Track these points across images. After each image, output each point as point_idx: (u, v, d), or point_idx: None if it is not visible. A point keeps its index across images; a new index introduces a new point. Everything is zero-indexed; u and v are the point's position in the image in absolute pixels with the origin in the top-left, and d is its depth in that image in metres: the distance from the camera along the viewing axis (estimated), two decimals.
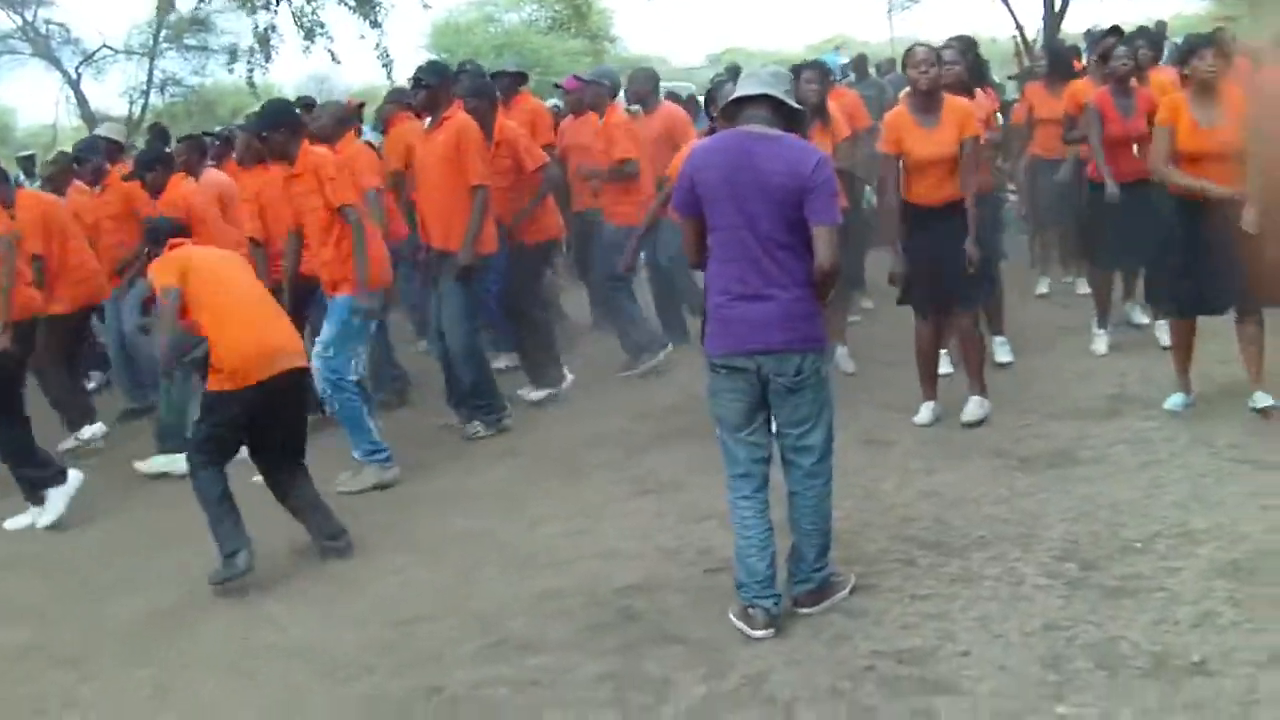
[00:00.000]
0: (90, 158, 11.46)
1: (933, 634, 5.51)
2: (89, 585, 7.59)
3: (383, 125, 12.34)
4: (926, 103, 8.32)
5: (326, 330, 8.68)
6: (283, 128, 8.58)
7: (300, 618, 6.69)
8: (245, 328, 7.22)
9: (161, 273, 7.38)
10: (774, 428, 5.84)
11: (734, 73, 10.67)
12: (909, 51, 8.63)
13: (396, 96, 12.42)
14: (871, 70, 20.09)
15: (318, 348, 8.62)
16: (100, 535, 8.49)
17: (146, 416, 10.75)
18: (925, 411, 8.62)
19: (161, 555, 7.79)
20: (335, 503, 8.01)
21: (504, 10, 50.45)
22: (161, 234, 7.72)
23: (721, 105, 6.26)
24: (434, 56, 38.49)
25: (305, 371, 7.69)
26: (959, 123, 8.26)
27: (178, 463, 8.78)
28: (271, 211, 9.94)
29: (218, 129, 13.07)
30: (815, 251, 5.57)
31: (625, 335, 11.07)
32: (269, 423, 7.37)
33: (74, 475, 8.81)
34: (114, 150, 11.78)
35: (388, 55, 24.34)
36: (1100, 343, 9.92)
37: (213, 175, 11.06)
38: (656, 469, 8.26)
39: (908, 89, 8.59)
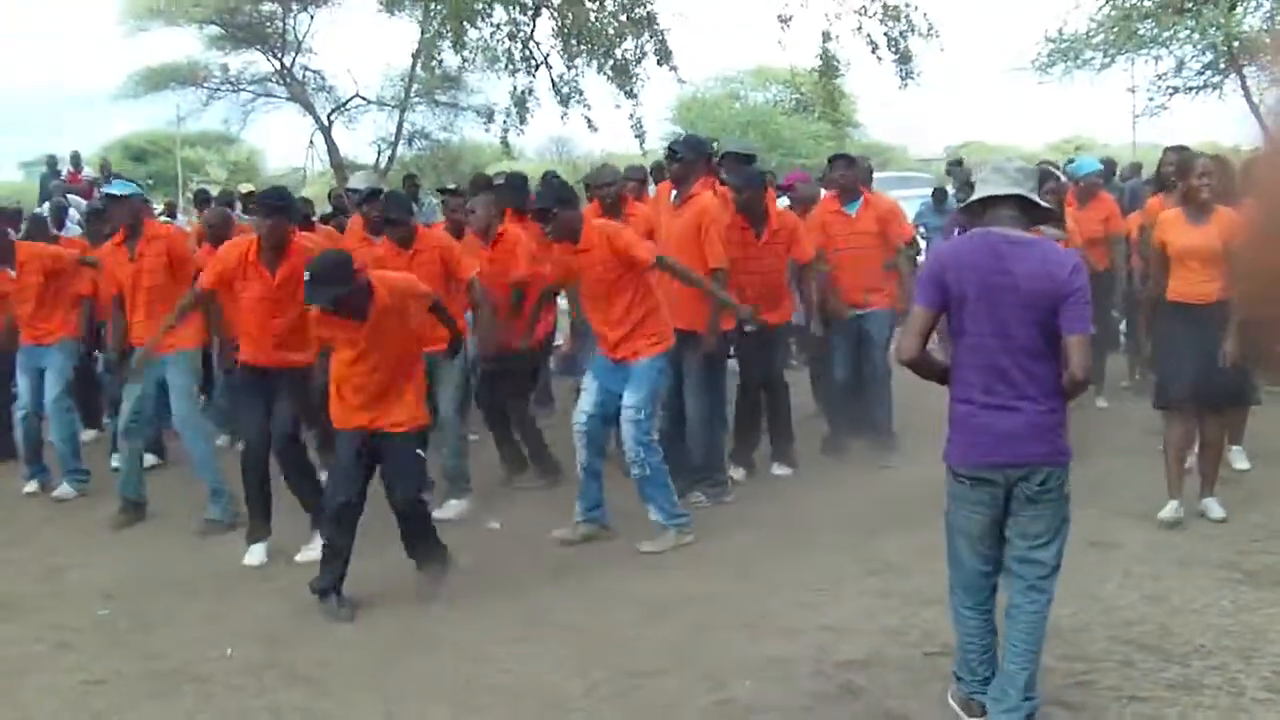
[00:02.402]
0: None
1: None
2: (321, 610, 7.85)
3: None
4: (1199, 213, 8.47)
5: (637, 393, 8.76)
6: (569, 203, 8.84)
7: (526, 661, 6.88)
8: None
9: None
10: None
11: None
12: (1186, 160, 8.69)
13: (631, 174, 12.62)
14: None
15: (629, 412, 8.74)
16: None
17: None
18: (1170, 509, 8.62)
19: (388, 586, 8.04)
20: (562, 559, 8.42)
21: (749, 88, 50.87)
22: None
23: (967, 201, 5.93)
24: (679, 129, 39.08)
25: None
26: (1228, 228, 8.31)
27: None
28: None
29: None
30: (1068, 360, 5.42)
31: (880, 423, 11.19)
32: None
33: None
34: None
35: (640, 125, 24.76)
36: None
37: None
38: (887, 551, 8.38)
39: (1159, 192, 8.65)
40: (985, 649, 5.68)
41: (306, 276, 7.53)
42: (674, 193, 9.93)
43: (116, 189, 10.47)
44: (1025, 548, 5.53)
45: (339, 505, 7.77)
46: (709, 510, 9.59)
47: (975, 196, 5.67)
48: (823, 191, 12.23)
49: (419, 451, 7.98)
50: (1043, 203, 5.68)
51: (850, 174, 11.30)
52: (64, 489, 11.14)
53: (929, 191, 20.62)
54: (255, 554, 9.03)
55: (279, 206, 8.92)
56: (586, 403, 8.97)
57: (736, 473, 10.50)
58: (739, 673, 6.48)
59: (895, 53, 22.55)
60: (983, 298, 5.45)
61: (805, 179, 13.02)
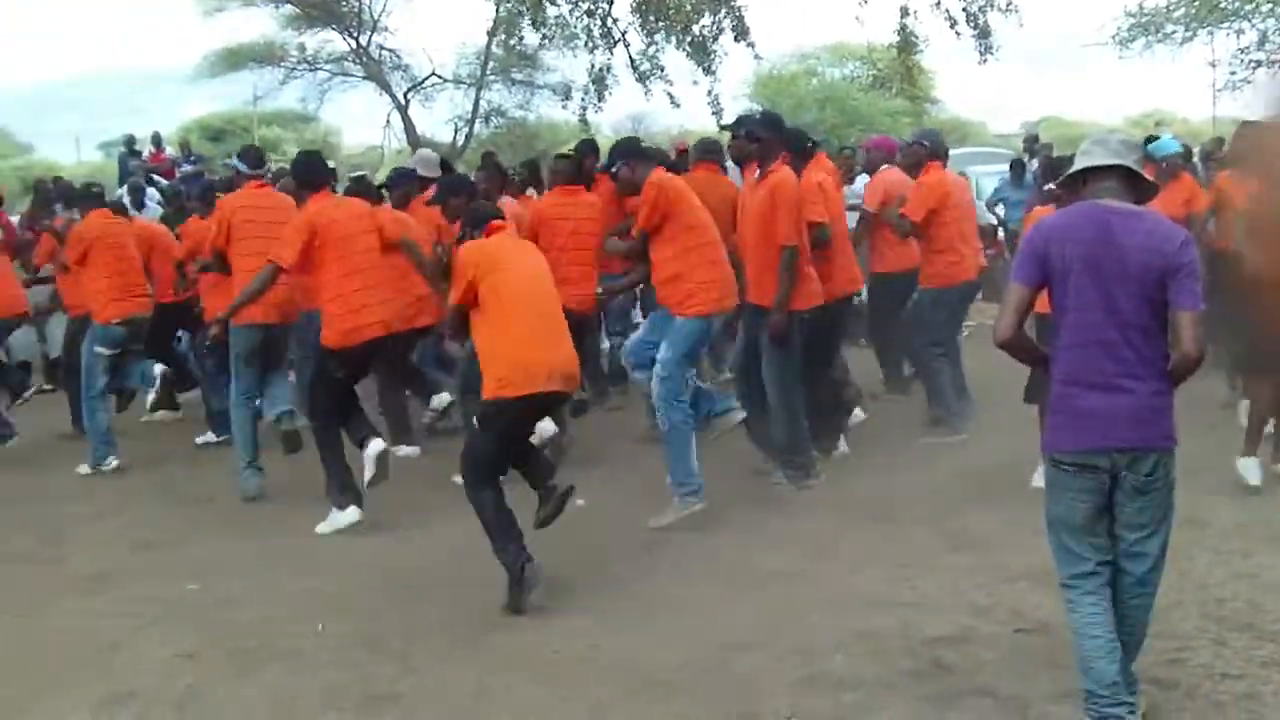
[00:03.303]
0: (401, 183, 11.99)
1: (1244, 713, 5.55)
2: (415, 584, 7.92)
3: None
4: None
5: (667, 351, 8.86)
6: (635, 158, 9.09)
7: (614, 635, 6.90)
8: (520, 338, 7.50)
9: (468, 252, 7.72)
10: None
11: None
12: None
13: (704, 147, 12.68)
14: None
15: (657, 368, 8.84)
16: (427, 538, 8.84)
17: None
18: (1253, 469, 8.73)
19: (477, 560, 7.94)
20: (650, 534, 8.48)
21: (826, 65, 50.57)
22: (481, 220, 8.01)
23: (1065, 174, 5.68)
24: (755, 106, 38.94)
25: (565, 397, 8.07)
26: None
27: None
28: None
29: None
30: (1179, 338, 5.14)
31: (934, 399, 11.20)
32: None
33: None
34: (424, 183, 12.08)
35: (718, 102, 24.74)
36: None
37: (510, 205, 11.49)
38: (970, 526, 8.35)
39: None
40: (1111, 646, 5.26)
41: None
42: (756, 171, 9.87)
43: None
44: (1132, 540, 5.30)
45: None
46: (792, 487, 9.55)
47: (1076, 168, 5.45)
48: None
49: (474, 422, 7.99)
50: (1145, 174, 5.43)
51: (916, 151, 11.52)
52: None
53: (1007, 166, 20.50)
54: (350, 514, 9.19)
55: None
56: (634, 336, 9.43)
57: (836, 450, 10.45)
58: (828, 647, 6.48)
59: (974, 28, 22.40)
60: (1088, 271, 5.17)
61: (885, 142, 12.92)
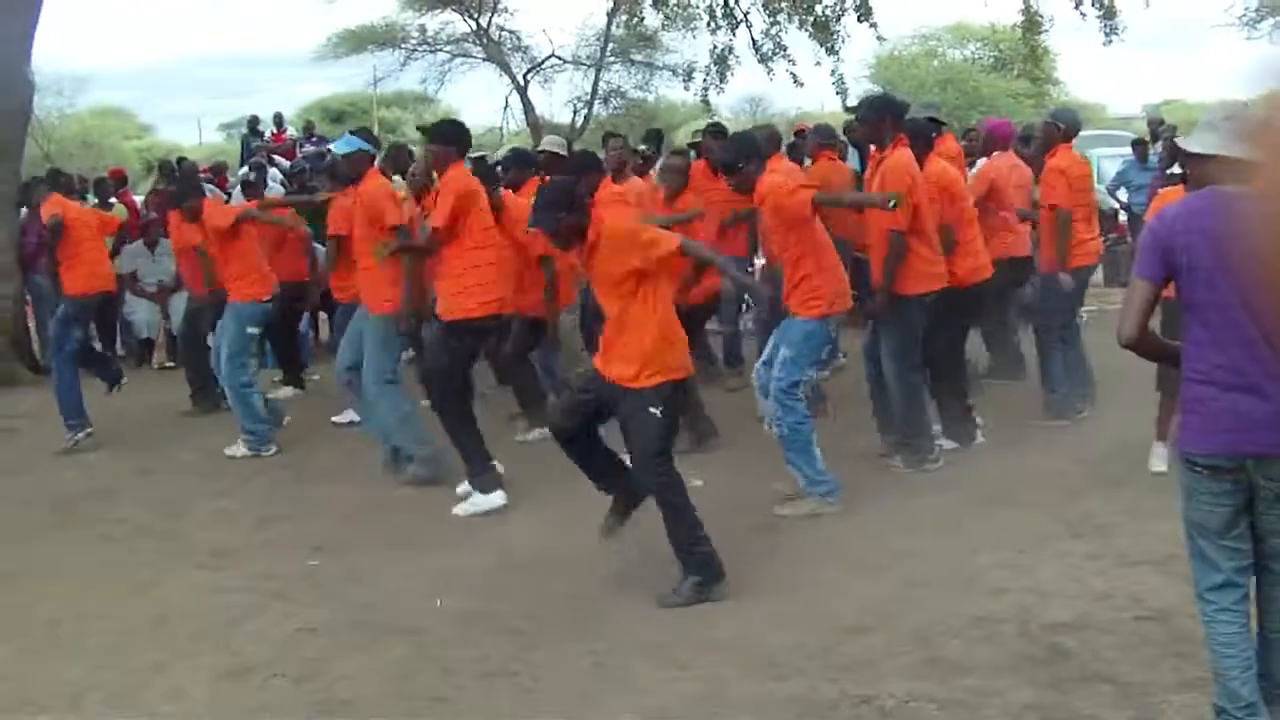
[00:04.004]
0: (513, 165, 11.79)
1: None
2: (533, 563, 7.98)
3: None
4: None
5: (783, 352, 8.77)
6: (754, 158, 8.85)
7: (731, 615, 6.92)
8: None
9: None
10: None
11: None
12: None
13: (822, 135, 12.67)
14: None
15: (775, 369, 8.73)
16: (545, 517, 8.86)
17: None
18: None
19: (592, 540, 7.89)
20: (769, 516, 8.50)
21: (948, 45, 50.20)
22: None
23: (1186, 159, 5.40)
24: (876, 87, 38.74)
25: None
26: None
27: None
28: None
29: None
30: None
31: (1046, 383, 11.05)
32: None
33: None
34: (552, 162, 11.96)
35: (843, 82, 24.63)
36: None
37: (635, 183, 11.43)
38: (1091, 512, 8.26)
39: None
40: (1246, 663, 4.95)
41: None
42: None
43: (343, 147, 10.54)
44: (1276, 545, 4.91)
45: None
46: (911, 473, 9.51)
47: (1195, 151, 5.11)
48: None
49: (654, 410, 7.22)
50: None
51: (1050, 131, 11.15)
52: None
53: (1127, 150, 20.17)
54: (496, 498, 9.24)
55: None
56: (766, 353, 9.10)
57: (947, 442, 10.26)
58: (944, 632, 6.46)
59: (1099, 8, 22.07)
60: (1220, 264, 4.75)
61: (1000, 127, 12.74)
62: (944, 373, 10.20)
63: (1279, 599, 5.00)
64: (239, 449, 11.30)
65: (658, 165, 14.14)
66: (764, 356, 9.07)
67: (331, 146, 10.67)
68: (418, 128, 12.31)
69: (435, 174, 9.74)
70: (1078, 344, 11.02)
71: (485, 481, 9.23)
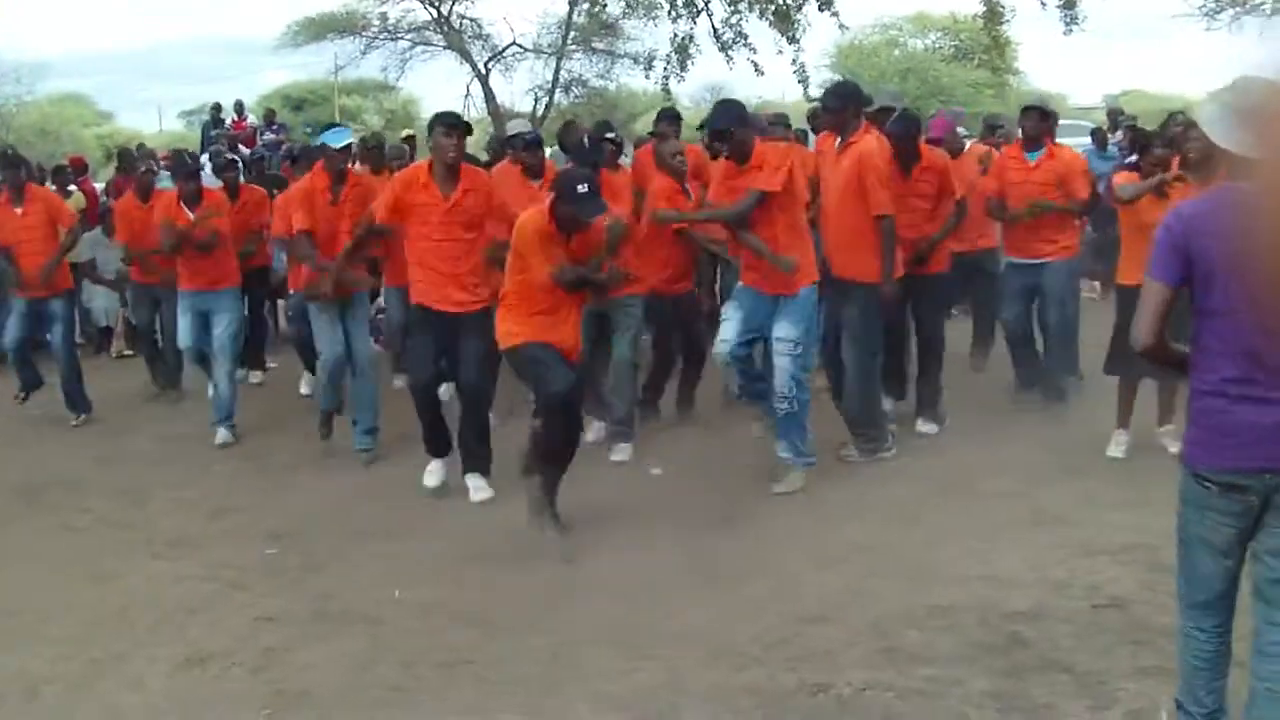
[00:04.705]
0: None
1: None
2: (492, 552, 7.95)
3: None
4: None
5: (795, 326, 8.76)
6: (745, 127, 8.81)
7: (692, 605, 6.90)
8: None
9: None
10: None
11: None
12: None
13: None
14: None
15: (787, 345, 8.72)
16: (503, 509, 8.78)
17: None
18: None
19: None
20: (729, 506, 8.47)
21: (908, 35, 50.33)
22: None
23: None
24: (837, 76, 38.80)
25: None
26: None
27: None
28: None
29: None
30: None
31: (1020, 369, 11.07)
32: None
33: None
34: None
35: (804, 70, 24.62)
36: None
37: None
38: (1051, 501, 8.29)
39: None
40: (1217, 676, 4.82)
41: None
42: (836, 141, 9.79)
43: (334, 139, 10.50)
44: (1276, 565, 4.61)
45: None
46: (872, 461, 9.52)
47: (1224, 146, 4.69)
48: (967, 143, 12.13)
49: None
50: None
51: (1034, 125, 10.96)
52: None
53: (1086, 140, 20.24)
54: (434, 474, 9.32)
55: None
56: (729, 331, 8.98)
57: (927, 427, 10.40)
58: (903, 621, 6.47)
59: None
60: (1235, 267, 4.35)
61: (948, 127, 12.74)
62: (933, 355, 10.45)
63: (1277, 628, 4.62)
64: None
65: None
66: (733, 337, 8.97)
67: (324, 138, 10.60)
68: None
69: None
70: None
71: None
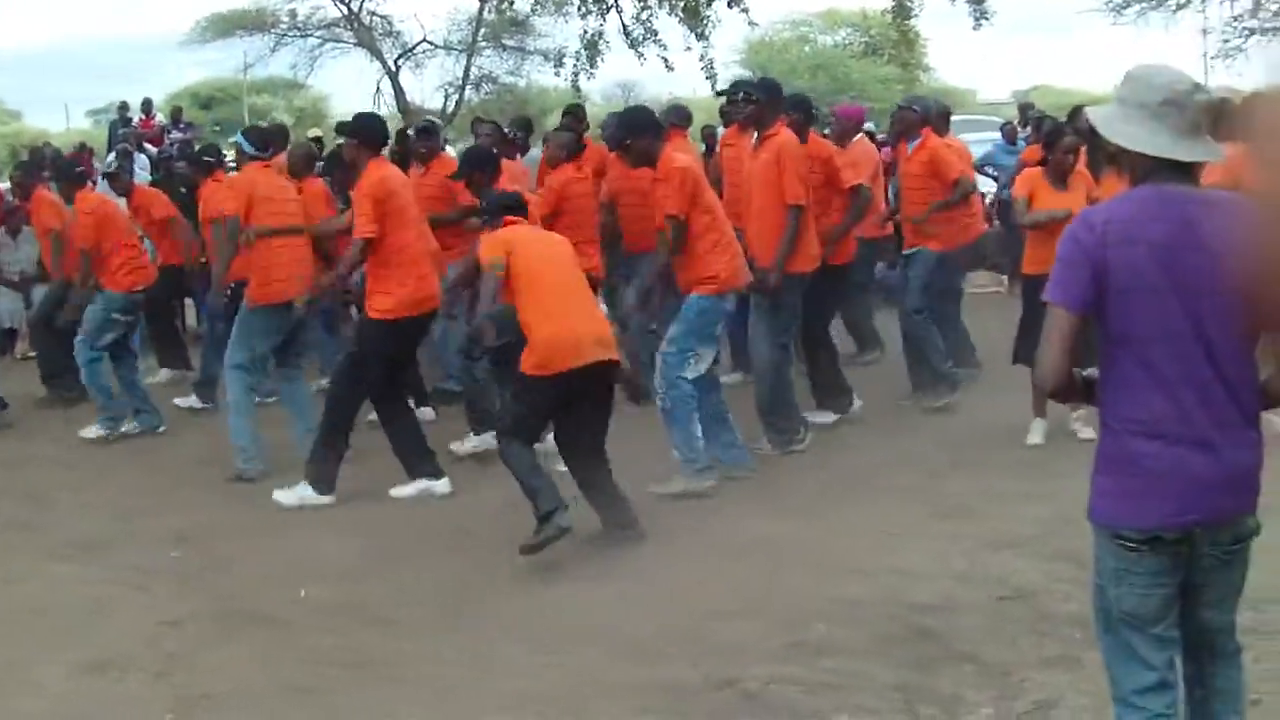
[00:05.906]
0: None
1: None
2: (399, 550, 7.91)
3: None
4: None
5: (674, 328, 8.75)
6: (647, 134, 8.79)
7: (602, 603, 6.89)
8: (555, 316, 7.48)
9: (490, 247, 7.69)
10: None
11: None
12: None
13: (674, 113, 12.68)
14: None
15: (663, 344, 8.72)
16: (412, 506, 8.81)
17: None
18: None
19: (468, 526, 8.14)
20: (638, 502, 8.28)
21: (818, 31, 50.55)
22: (498, 208, 8.04)
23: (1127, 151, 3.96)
24: (747, 73, 38.91)
25: (614, 364, 7.76)
26: None
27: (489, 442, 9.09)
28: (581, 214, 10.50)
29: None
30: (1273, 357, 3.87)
31: (922, 364, 11.07)
32: (574, 411, 7.73)
33: None
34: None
35: (712, 67, 24.72)
36: None
37: (512, 166, 11.38)
38: (955, 494, 8.36)
39: None
40: None
41: None
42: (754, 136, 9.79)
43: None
44: (1219, 616, 4.02)
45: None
46: (778, 455, 9.52)
47: (1126, 147, 3.94)
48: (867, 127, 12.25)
49: None
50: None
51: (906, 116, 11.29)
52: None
53: (996, 134, 20.38)
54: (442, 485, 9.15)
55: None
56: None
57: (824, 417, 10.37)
58: (810, 615, 6.47)
59: None
60: (1173, 284, 3.77)
61: (851, 113, 12.79)
62: (821, 347, 10.47)
63: (1229, 676, 4.09)
64: (93, 430, 11.25)
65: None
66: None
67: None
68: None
69: None
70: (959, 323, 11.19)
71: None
